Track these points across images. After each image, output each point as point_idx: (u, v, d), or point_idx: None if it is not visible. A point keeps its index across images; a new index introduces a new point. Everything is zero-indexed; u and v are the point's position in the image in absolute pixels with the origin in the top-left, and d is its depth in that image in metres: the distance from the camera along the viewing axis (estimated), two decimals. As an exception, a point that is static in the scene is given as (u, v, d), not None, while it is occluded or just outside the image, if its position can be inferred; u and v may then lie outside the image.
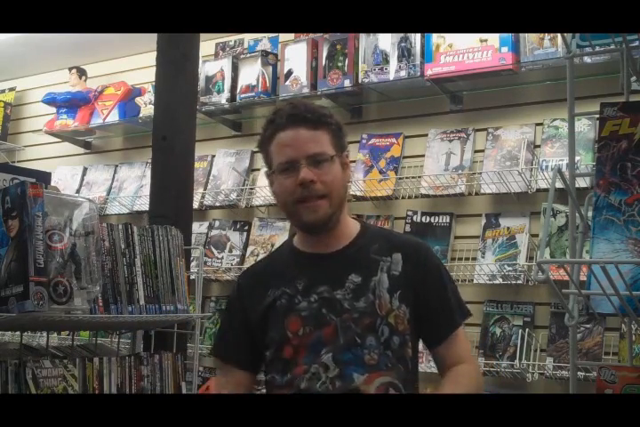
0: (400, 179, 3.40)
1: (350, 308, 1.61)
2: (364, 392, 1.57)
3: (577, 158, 2.71)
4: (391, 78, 3.38)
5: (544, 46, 3.06)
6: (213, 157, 4.06)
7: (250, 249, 3.78)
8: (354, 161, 3.41)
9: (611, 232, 1.49)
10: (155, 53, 2.88)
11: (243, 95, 3.81)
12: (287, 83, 3.68)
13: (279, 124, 1.64)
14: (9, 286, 1.87)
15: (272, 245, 3.70)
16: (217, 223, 3.95)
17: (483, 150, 3.30)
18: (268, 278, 1.71)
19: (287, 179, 1.61)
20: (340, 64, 3.53)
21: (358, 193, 3.44)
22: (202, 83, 3.86)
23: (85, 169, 4.60)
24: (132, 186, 4.29)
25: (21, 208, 1.88)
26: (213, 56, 4.11)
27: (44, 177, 2.34)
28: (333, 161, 1.63)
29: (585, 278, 1.50)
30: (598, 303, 1.48)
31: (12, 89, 5.07)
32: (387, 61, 3.40)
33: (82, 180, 4.57)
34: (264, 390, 1.73)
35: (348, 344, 1.59)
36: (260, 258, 3.55)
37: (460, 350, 1.69)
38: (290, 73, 3.68)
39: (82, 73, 4.63)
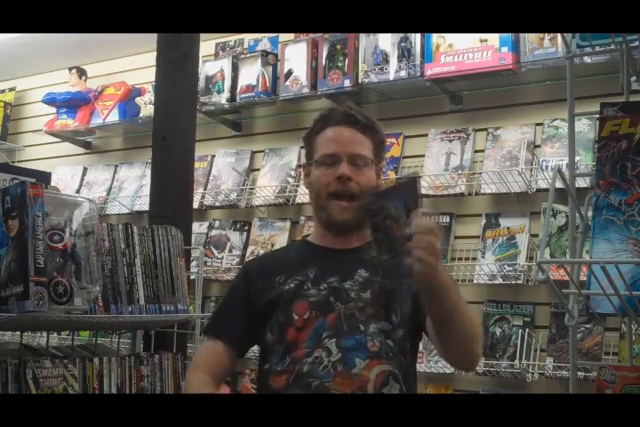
0: (400, 179, 3.40)
1: (356, 298, 1.67)
2: (364, 378, 1.62)
3: (577, 158, 2.71)
4: (391, 78, 3.38)
5: (544, 46, 3.06)
6: (213, 157, 4.06)
7: (250, 249, 3.78)
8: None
9: (611, 232, 1.49)
10: (155, 53, 2.88)
11: (243, 95, 3.81)
12: (287, 83, 3.68)
13: (333, 119, 1.75)
14: (9, 286, 1.87)
15: (272, 245, 3.70)
16: (217, 223, 3.95)
17: (483, 150, 3.30)
18: (278, 265, 1.77)
19: (326, 170, 1.70)
20: (340, 64, 3.53)
21: (358, 193, 3.44)
22: (202, 83, 3.86)
23: (85, 169, 4.60)
24: (132, 186, 4.29)
25: (21, 208, 1.88)
26: (213, 56, 4.11)
27: (43, 177, 2.33)
28: (371, 167, 1.72)
29: (585, 278, 1.50)
30: (598, 303, 1.49)
31: (12, 89, 5.06)
32: (387, 61, 3.39)
33: (82, 180, 4.56)
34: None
35: (352, 331, 1.65)
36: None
37: None
38: (290, 73, 3.68)
39: (82, 73, 4.62)
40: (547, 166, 3.06)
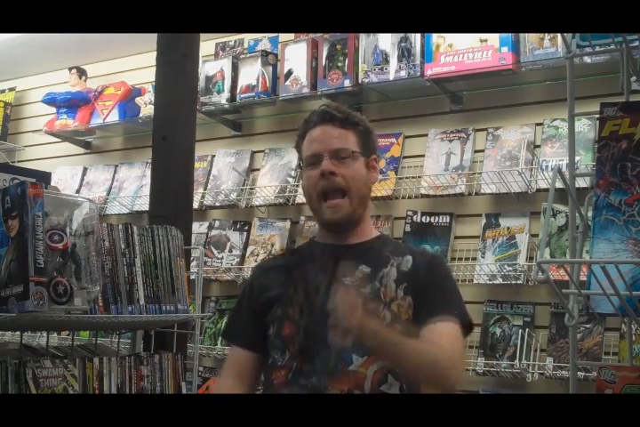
0: (400, 179, 3.40)
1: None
2: (361, 375, 1.61)
3: (577, 158, 2.70)
4: (391, 78, 3.38)
5: (544, 46, 3.06)
6: (213, 157, 4.06)
7: (250, 249, 3.78)
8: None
9: (611, 232, 1.49)
10: (155, 53, 2.88)
11: (243, 95, 3.81)
12: (287, 83, 3.67)
13: (312, 121, 1.77)
14: (9, 286, 1.87)
15: (272, 245, 3.70)
16: (217, 223, 3.95)
17: (483, 150, 3.30)
18: (282, 264, 1.82)
19: (312, 171, 1.73)
20: (339, 64, 3.53)
21: (358, 193, 3.44)
22: (202, 83, 3.86)
23: (85, 169, 4.60)
24: (132, 186, 4.29)
25: (21, 208, 1.88)
26: (213, 56, 4.11)
27: (43, 177, 2.33)
28: (356, 158, 1.73)
29: (585, 278, 1.50)
30: (598, 303, 1.49)
31: (12, 89, 5.06)
32: (387, 61, 3.39)
33: (82, 180, 4.56)
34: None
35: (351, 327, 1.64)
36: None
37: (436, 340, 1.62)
38: (290, 73, 3.68)
39: (82, 73, 4.62)
40: (547, 166, 3.06)
